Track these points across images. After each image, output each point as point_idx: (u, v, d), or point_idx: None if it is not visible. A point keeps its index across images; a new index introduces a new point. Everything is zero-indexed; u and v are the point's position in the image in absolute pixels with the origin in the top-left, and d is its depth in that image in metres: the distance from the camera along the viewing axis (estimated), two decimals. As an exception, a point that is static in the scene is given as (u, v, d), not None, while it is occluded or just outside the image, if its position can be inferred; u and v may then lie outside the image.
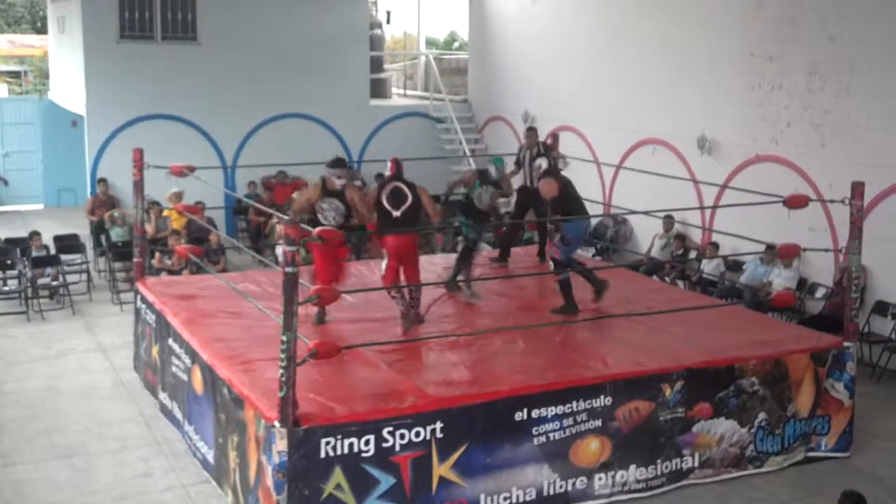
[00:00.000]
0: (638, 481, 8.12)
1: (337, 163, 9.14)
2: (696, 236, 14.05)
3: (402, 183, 9.13)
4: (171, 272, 13.22)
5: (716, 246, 13.21)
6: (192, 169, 10.56)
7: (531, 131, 11.64)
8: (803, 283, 12.19)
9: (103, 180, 16.55)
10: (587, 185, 14.92)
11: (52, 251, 14.12)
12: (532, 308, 10.06)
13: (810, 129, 12.25)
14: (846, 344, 8.85)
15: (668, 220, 13.75)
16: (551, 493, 7.80)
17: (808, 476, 8.57)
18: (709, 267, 13.24)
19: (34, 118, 20.49)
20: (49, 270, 13.59)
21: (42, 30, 31.21)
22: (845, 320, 8.93)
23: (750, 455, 8.54)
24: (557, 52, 16.92)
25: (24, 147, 20.47)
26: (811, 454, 8.83)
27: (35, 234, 14.06)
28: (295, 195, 12.47)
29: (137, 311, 10.70)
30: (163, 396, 9.67)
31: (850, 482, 7.51)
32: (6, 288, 13.59)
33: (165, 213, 14.50)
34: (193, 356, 8.69)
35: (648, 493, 8.15)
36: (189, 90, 17.31)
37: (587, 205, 14.49)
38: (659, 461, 8.16)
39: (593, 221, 15.64)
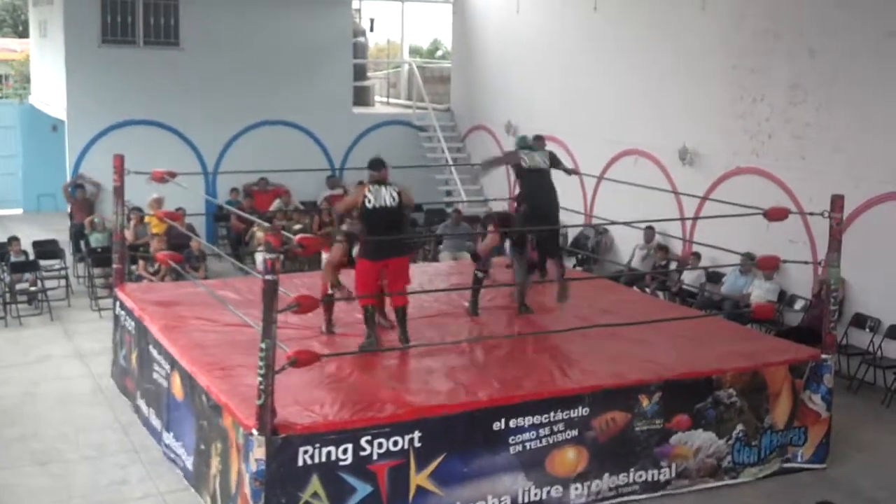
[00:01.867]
0: (610, 489, 8.13)
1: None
2: (677, 247, 14.10)
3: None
4: (153, 277, 13.14)
5: (698, 256, 13.25)
6: (173, 175, 10.52)
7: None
8: (782, 295, 12.24)
9: (81, 186, 16.47)
10: (569, 194, 15.01)
11: (31, 256, 14.03)
12: (513, 317, 10.06)
13: (791, 141, 12.32)
14: (824, 356, 8.88)
15: (649, 232, 13.80)
16: (526, 500, 7.80)
17: (785, 487, 8.60)
18: (689, 278, 13.29)
19: (14, 122, 20.38)
20: (27, 276, 13.50)
21: (23, 34, 31.01)
22: (824, 332, 8.96)
23: (726, 466, 8.56)
24: (540, 62, 16.96)
25: (3, 151, 20.34)
26: (788, 465, 8.86)
27: (14, 240, 13.94)
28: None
29: (116, 318, 10.64)
30: (141, 404, 9.61)
31: (827, 493, 7.59)
32: (-16, 293, 13.48)
33: (146, 219, 14.43)
34: (173, 363, 8.65)
35: (620, 500, 8.14)
36: (171, 96, 17.23)
37: (570, 214, 14.76)
38: (632, 470, 8.17)
39: (575, 231, 15.74)
